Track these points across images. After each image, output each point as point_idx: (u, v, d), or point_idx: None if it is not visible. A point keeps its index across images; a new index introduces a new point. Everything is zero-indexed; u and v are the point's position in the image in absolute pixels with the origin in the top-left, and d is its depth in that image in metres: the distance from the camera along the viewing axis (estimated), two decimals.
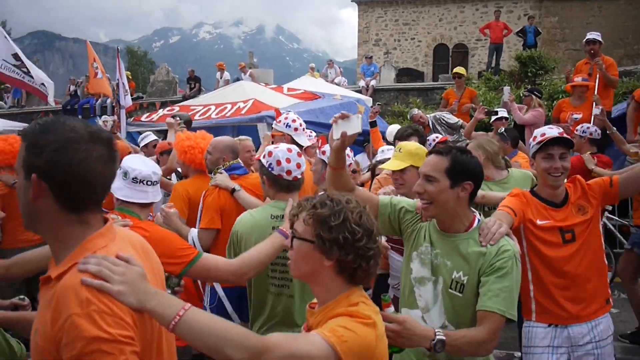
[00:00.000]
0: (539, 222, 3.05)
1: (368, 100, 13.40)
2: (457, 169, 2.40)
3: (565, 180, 3.19)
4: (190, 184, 4.36)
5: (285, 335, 1.72)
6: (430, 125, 8.44)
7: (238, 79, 17.00)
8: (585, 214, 3.07)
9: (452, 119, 8.54)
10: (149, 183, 2.98)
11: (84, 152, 1.48)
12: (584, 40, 8.32)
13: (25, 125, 18.40)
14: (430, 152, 2.60)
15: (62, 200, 1.49)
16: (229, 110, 9.36)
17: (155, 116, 10.30)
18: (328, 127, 8.69)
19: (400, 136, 4.56)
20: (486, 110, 7.64)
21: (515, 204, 3.00)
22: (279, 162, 3.19)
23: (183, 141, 4.42)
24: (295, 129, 4.67)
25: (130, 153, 5.78)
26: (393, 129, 7.35)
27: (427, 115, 8.71)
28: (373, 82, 17.30)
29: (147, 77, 47.64)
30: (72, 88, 19.75)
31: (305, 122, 8.43)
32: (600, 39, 8.15)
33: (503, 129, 6.58)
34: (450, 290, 2.43)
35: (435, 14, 28.77)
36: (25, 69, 9.30)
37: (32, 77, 9.36)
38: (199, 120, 9.51)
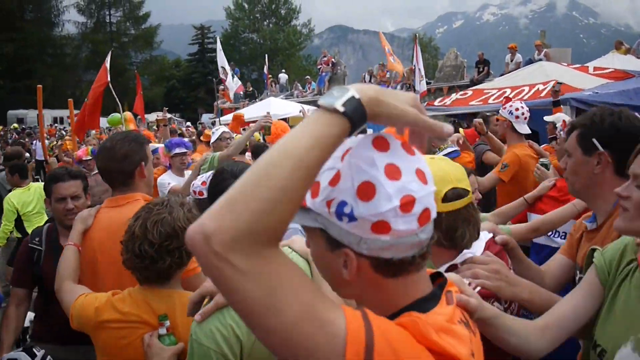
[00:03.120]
0: None
1: None
2: None
3: None
4: None
5: None
6: None
7: (531, 61, 16.04)
8: None
9: None
10: None
11: None
12: None
13: None
14: None
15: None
16: (527, 93, 8.92)
17: (448, 100, 10.45)
18: None
19: None
20: None
21: None
22: None
23: None
24: (517, 117, 5.01)
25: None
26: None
27: None
28: None
29: (430, 62, 48.67)
30: (367, 77, 21.40)
31: (617, 105, 7.56)
32: None
33: None
34: None
35: None
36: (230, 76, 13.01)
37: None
38: (492, 104, 9.31)
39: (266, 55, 28.69)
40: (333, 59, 25.03)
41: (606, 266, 1.71)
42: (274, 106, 17.85)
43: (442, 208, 1.76)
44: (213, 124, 24.08)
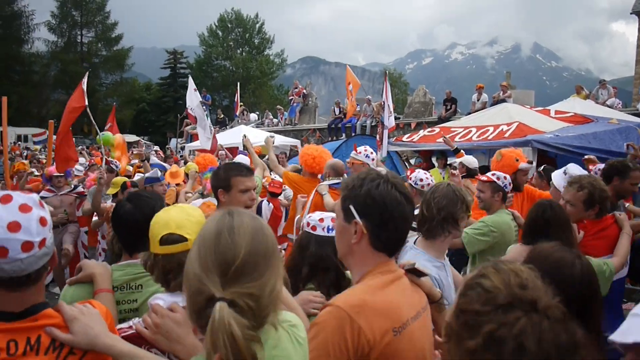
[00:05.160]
0: None
1: None
2: None
3: None
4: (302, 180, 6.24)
5: None
6: None
7: (498, 102, 16.57)
8: None
9: None
10: None
11: None
12: None
13: (297, 141, 20.81)
14: None
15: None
16: (491, 133, 9.17)
17: (415, 137, 10.64)
18: (603, 152, 7.97)
19: None
20: None
21: None
22: None
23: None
24: (373, 160, 5.87)
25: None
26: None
27: None
28: None
29: (400, 98, 49.58)
30: (337, 110, 21.60)
31: (577, 147, 7.87)
32: None
33: None
34: None
35: None
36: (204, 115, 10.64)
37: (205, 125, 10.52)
38: (459, 142, 9.53)
39: (238, 83, 28.75)
40: (305, 90, 25.25)
41: None
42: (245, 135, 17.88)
43: (158, 250, 1.98)
44: (182, 148, 23.94)
